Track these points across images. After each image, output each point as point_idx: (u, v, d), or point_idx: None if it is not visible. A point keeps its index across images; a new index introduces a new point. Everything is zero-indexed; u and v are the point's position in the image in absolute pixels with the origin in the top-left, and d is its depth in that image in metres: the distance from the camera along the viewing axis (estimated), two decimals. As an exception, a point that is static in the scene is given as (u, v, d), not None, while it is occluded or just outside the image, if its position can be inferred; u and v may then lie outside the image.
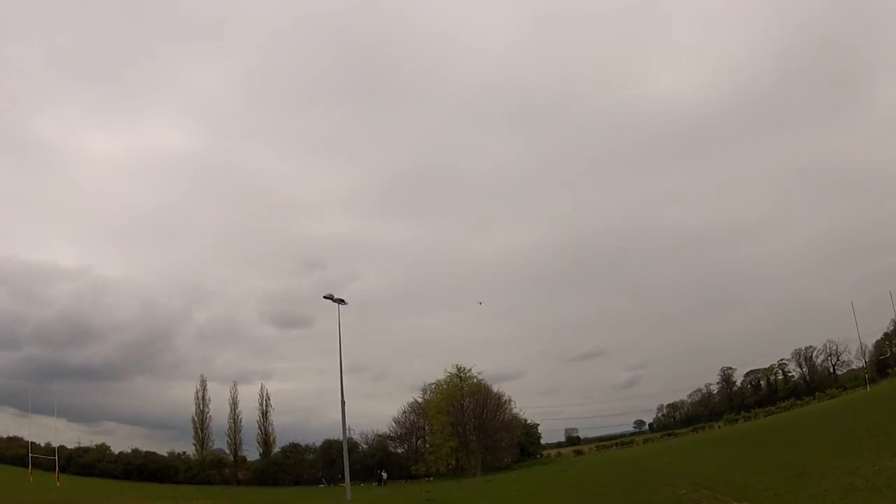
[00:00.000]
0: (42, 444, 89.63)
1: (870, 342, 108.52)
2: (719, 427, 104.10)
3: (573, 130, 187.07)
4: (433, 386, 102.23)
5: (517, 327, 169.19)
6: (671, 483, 23.86)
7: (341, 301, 56.73)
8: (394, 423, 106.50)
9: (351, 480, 55.77)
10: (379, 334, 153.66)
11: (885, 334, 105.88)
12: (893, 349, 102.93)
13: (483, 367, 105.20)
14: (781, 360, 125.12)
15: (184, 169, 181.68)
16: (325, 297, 57.14)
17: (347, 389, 54.58)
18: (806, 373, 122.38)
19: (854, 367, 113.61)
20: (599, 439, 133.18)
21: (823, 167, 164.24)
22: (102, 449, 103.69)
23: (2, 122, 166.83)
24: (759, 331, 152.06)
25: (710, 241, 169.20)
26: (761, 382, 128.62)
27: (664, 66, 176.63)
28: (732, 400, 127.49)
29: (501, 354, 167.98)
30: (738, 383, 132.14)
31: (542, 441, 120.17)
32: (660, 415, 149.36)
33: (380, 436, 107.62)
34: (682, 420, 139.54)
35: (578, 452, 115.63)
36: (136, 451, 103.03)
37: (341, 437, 59.90)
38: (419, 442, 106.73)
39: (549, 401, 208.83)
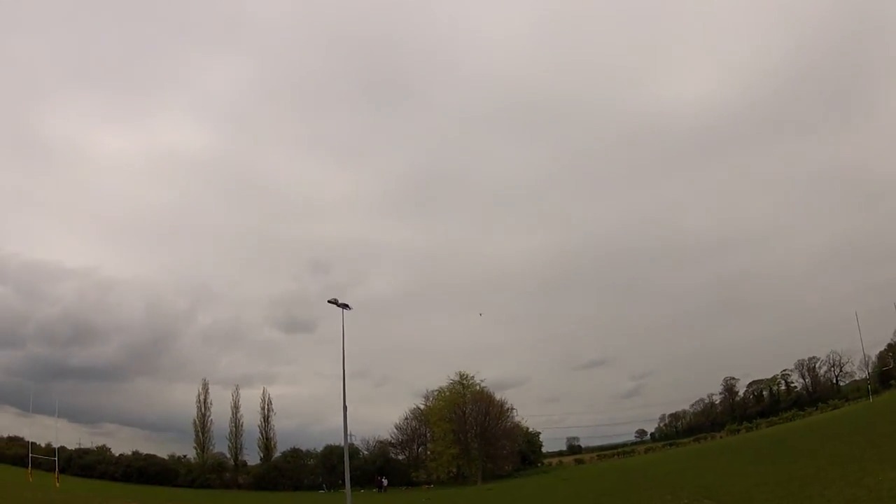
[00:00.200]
0: (42, 445, 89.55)
1: (873, 353, 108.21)
2: (721, 437, 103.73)
3: (581, 136, 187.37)
4: (436, 393, 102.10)
5: (521, 334, 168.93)
6: (673, 492, 23.73)
7: (346, 306, 56.52)
8: (395, 430, 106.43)
9: (351, 486, 55.57)
10: (382, 340, 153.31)
11: (889, 345, 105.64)
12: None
13: (486, 374, 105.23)
14: (784, 370, 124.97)
15: (192, 170, 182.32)
16: (329, 302, 56.91)
17: (350, 395, 54.30)
18: (809, 384, 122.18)
19: (857, 378, 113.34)
20: (601, 448, 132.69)
21: (830, 176, 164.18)
22: (103, 450, 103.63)
23: (10, 120, 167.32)
24: (763, 341, 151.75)
25: (715, 249, 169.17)
26: (764, 393, 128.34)
27: (673, 73, 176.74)
28: (735, 410, 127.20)
29: (505, 361, 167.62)
30: (741, 393, 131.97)
31: (543, 449, 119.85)
32: (662, 424, 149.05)
33: (381, 442, 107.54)
34: (684, 430, 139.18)
35: (579, 461, 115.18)
36: (136, 454, 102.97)
37: (342, 443, 59.73)
38: (420, 449, 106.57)
39: (550, 409, 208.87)
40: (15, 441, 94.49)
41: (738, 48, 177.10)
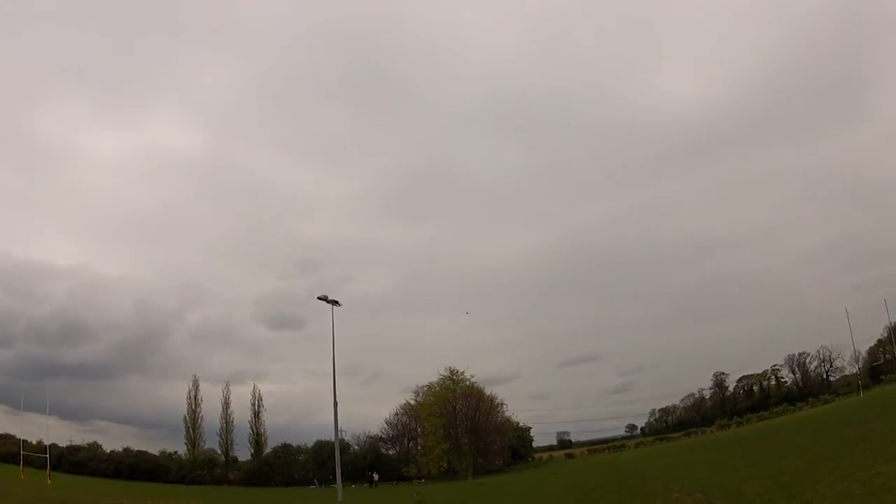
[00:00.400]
0: (34, 442, 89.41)
1: (863, 349, 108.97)
2: (712, 432, 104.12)
3: (574, 138, 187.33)
4: (426, 388, 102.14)
5: (512, 332, 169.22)
6: (664, 487, 23.79)
7: (335, 302, 56.54)
8: (386, 425, 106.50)
9: (342, 481, 55.63)
10: (372, 337, 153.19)
11: (879, 341, 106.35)
12: (887, 356, 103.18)
13: (476, 370, 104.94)
14: (774, 365, 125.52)
15: (183, 169, 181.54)
16: (318, 298, 56.93)
17: (340, 391, 54.38)
18: (799, 378, 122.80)
19: (847, 374, 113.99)
20: (591, 443, 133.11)
21: (821, 177, 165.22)
22: (94, 447, 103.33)
23: (1, 119, 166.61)
24: (753, 336, 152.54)
25: (706, 248, 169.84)
26: (754, 388, 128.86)
27: (667, 75, 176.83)
28: (725, 405, 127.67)
29: (495, 358, 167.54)
30: (731, 388, 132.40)
31: (534, 444, 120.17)
32: (652, 419, 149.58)
33: (371, 437, 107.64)
34: (674, 425, 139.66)
35: (570, 456, 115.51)
36: (127, 450, 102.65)
37: (333, 439, 59.83)
38: (411, 444, 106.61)
39: (541, 404, 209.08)
40: (6, 439, 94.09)
41: (731, 49, 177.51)
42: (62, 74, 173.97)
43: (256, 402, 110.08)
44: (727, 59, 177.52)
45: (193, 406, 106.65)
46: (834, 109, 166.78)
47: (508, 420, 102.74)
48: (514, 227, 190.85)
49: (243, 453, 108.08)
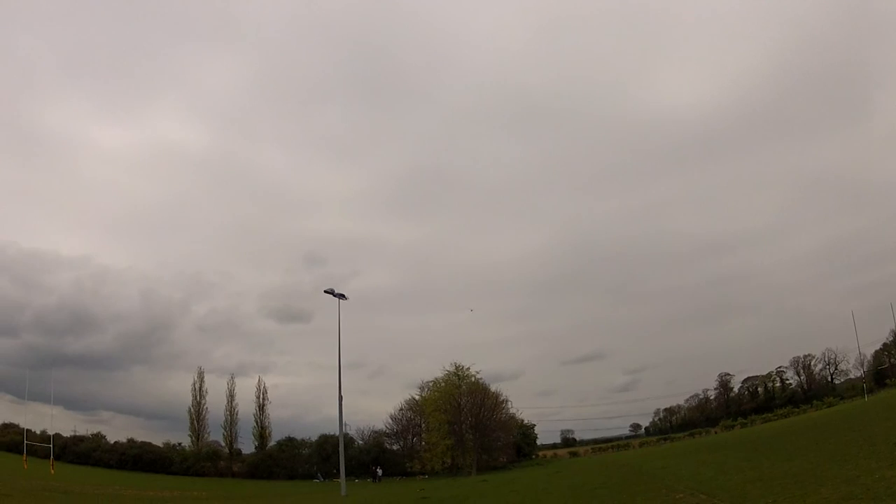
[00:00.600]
0: (38, 432, 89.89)
1: (869, 352, 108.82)
2: (716, 432, 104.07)
3: (577, 136, 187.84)
4: (431, 384, 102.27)
5: (516, 329, 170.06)
6: (668, 487, 23.74)
7: (341, 296, 56.72)
8: (390, 420, 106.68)
9: (346, 476, 55.75)
10: (378, 332, 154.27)
11: (885, 344, 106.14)
12: (892, 360, 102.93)
13: (481, 367, 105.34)
14: (779, 367, 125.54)
15: (189, 163, 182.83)
16: (325, 292, 57.16)
17: (345, 385, 54.60)
18: (804, 381, 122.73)
19: (852, 377, 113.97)
20: (595, 441, 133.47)
21: (826, 177, 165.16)
22: (98, 438, 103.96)
23: (8, 113, 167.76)
24: (758, 338, 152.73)
25: (712, 248, 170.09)
26: (759, 389, 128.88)
27: (669, 74, 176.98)
28: (729, 406, 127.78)
29: (500, 355, 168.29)
30: (736, 390, 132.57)
31: (538, 442, 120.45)
32: (656, 419, 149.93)
33: (376, 432, 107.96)
34: (678, 425, 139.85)
35: (574, 454, 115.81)
36: (131, 441, 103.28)
37: (337, 433, 59.89)
38: (415, 439, 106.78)
39: (546, 402, 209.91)
40: (10, 428, 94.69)
41: (734, 51, 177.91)
42: (68, 70, 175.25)
43: (261, 395, 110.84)
44: (730, 58, 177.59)
45: (198, 398, 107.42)
46: (839, 109, 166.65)
47: (513, 417, 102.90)
48: (519, 224, 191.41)
49: (247, 446, 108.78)
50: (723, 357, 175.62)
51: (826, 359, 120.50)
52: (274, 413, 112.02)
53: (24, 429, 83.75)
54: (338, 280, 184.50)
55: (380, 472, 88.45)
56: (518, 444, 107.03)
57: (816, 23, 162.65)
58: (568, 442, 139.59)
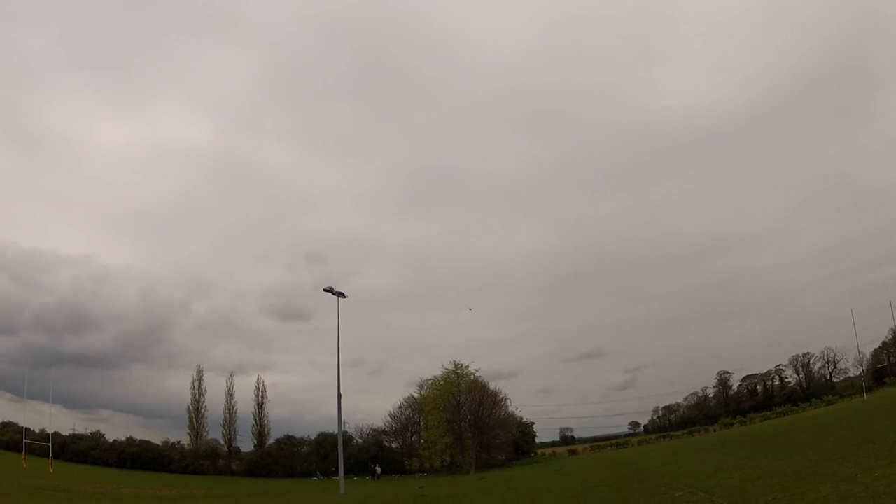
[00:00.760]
0: (37, 431, 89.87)
1: (868, 351, 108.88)
2: (715, 430, 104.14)
3: (581, 136, 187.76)
4: (430, 381, 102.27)
5: (516, 327, 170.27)
6: (667, 485, 23.74)
7: (341, 294, 56.69)
8: (389, 418, 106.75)
9: (345, 474, 55.73)
10: (378, 331, 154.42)
11: (884, 343, 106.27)
12: (891, 358, 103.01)
13: (481, 365, 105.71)
14: (778, 365, 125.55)
15: (190, 161, 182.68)
16: (324, 290, 57.10)
17: (344, 384, 54.64)
18: (803, 379, 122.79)
19: (851, 375, 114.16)
20: (594, 439, 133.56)
21: (828, 179, 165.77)
22: (97, 436, 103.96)
23: (8, 110, 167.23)
24: (758, 337, 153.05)
25: (713, 248, 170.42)
26: (758, 387, 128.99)
27: (674, 75, 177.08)
28: (728, 404, 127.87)
29: (500, 353, 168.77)
30: (735, 387, 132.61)
31: (537, 440, 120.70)
32: (655, 417, 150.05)
33: (375, 430, 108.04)
34: (677, 423, 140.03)
35: (573, 452, 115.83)
36: (130, 440, 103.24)
37: (336, 431, 59.92)
38: (414, 437, 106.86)
39: (545, 400, 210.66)
40: (9, 427, 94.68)
41: (738, 52, 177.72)
42: (70, 66, 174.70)
43: (260, 394, 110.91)
44: (734, 60, 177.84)
45: (197, 396, 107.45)
46: (842, 112, 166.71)
47: (512, 415, 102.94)
48: (520, 223, 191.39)
49: (246, 444, 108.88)
50: (722, 355, 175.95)
51: (825, 357, 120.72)
52: (273, 411, 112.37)
53: (23, 427, 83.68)
54: (339, 278, 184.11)
55: (378, 470, 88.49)
56: (517, 442, 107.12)
57: (820, 25, 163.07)
58: (567, 440, 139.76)
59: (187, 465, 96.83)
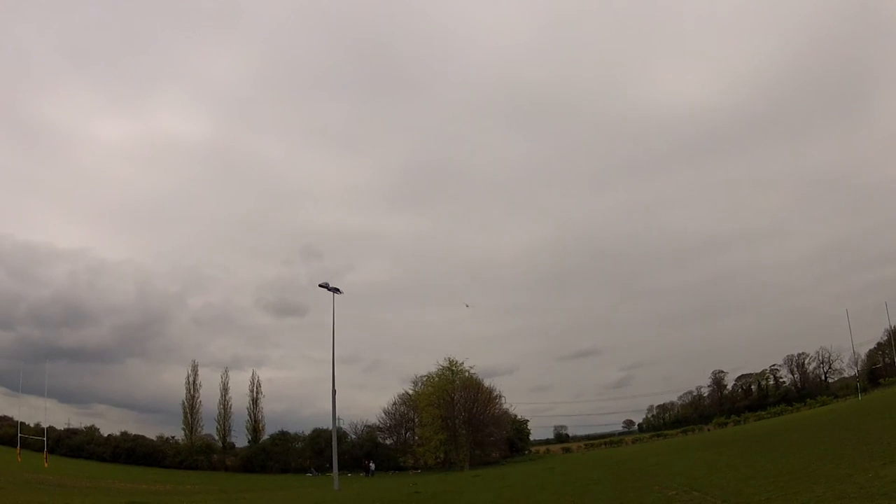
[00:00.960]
0: (32, 425, 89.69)
1: (863, 351, 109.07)
2: (709, 430, 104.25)
3: (579, 132, 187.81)
4: (424, 378, 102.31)
5: (513, 324, 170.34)
6: (661, 484, 23.76)
7: (336, 290, 56.71)
8: (383, 415, 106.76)
9: (339, 470, 55.72)
10: (373, 326, 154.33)
11: (879, 344, 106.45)
12: (886, 359, 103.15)
13: (475, 361, 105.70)
14: (773, 365, 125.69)
15: (186, 155, 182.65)
16: (320, 286, 57.14)
17: (339, 380, 54.61)
18: (797, 379, 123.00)
19: (846, 376, 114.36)
20: (588, 438, 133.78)
21: (825, 178, 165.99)
22: (92, 431, 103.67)
23: (6, 103, 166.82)
24: (753, 336, 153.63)
25: (710, 246, 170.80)
26: (752, 387, 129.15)
27: (672, 72, 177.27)
28: (723, 403, 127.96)
29: (495, 350, 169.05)
30: (729, 387, 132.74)
31: (531, 438, 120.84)
32: (650, 416, 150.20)
33: (369, 426, 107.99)
34: (671, 422, 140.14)
35: (567, 450, 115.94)
36: (125, 434, 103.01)
37: (331, 427, 59.87)
38: (408, 434, 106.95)
39: (539, 397, 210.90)
40: (4, 421, 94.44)
41: (737, 50, 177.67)
42: (68, 60, 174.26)
43: (255, 389, 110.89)
44: (733, 57, 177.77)
45: (192, 391, 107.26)
46: (839, 111, 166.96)
47: (506, 412, 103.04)
48: (516, 220, 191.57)
49: (240, 440, 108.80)
50: (717, 354, 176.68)
51: (820, 357, 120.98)
52: (267, 407, 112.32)
53: (17, 422, 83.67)
54: (334, 273, 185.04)
55: (372, 466, 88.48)
56: (511, 439, 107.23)
57: (819, 24, 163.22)
58: (561, 438, 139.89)
59: (182, 461, 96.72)
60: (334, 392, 54.36)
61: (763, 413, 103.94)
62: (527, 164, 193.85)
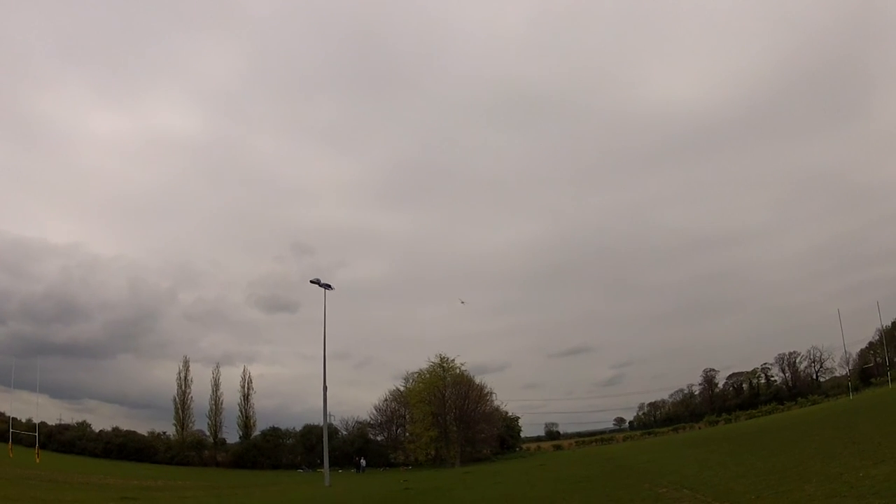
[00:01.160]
0: (23, 420, 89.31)
1: (854, 350, 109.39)
2: (700, 428, 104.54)
3: (572, 130, 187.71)
4: (415, 375, 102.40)
5: (505, 322, 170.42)
6: (651, 481, 23.81)
7: (328, 286, 56.73)
8: (374, 411, 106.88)
9: (330, 466, 55.77)
10: (365, 323, 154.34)
11: (870, 343, 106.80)
12: (878, 359, 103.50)
13: (467, 358, 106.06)
14: (764, 364, 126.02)
15: (180, 150, 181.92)
16: (311, 282, 57.17)
17: (330, 376, 54.77)
18: (789, 378, 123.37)
19: (837, 375, 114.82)
20: (579, 435, 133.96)
21: (818, 177, 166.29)
22: (83, 427, 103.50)
23: (1, 99, 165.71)
24: (745, 335, 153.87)
25: (702, 244, 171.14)
26: (743, 386, 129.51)
27: (668, 70, 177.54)
28: (714, 402, 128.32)
29: (487, 347, 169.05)
30: (721, 385, 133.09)
31: (522, 434, 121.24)
32: (641, 413, 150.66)
33: (360, 423, 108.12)
34: (662, 419, 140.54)
35: (558, 447, 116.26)
36: (116, 430, 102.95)
37: (322, 423, 59.96)
38: (399, 430, 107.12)
39: (530, 395, 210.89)
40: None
41: (731, 48, 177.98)
42: (61, 56, 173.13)
43: (246, 385, 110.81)
44: (727, 55, 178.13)
45: (183, 387, 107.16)
46: (833, 110, 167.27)
47: (497, 409, 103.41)
48: (509, 217, 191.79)
49: (231, 436, 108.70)
50: (708, 353, 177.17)
51: (811, 356, 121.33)
52: (259, 403, 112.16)
53: (9, 417, 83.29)
54: (326, 270, 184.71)
55: (363, 462, 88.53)
56: (502, 436, 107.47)
57: (814, 22, 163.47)
58: (552, 435, 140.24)
59: (173, 456, 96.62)
60: (325, 388, 54.47)
61: (754, 412, 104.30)
62: (519, 161, 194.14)
